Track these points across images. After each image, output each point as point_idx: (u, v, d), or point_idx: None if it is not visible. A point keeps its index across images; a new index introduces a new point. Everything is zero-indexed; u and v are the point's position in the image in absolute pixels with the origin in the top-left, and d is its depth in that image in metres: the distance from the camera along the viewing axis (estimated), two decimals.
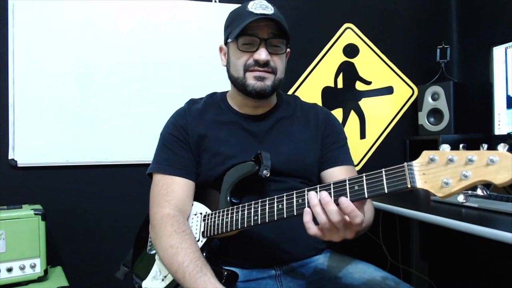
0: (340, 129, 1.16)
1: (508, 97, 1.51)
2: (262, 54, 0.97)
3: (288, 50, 1.08)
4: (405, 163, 0.69)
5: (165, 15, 1.71)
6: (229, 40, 1.03)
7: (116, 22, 1.65)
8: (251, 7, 0.99)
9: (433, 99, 1.87)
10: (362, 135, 1.99)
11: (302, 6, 1.91)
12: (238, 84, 1.03)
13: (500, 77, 1.53)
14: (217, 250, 1.00)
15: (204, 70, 1.73)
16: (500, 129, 1.53)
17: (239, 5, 1.05)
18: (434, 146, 1.75)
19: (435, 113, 1.86)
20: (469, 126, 1.83)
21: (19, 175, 1.53)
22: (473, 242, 1.75)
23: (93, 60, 1.62)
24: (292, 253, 1.03)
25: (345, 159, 1.11)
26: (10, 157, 1.51)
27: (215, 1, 1.78)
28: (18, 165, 1.52)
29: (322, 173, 1.10)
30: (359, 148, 1.98)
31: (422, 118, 1.91)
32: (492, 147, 0.61)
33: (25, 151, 1.53)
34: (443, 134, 1.77)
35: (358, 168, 1.97)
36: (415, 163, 0.68)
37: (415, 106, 1.99)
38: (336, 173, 1.08)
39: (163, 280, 0.98)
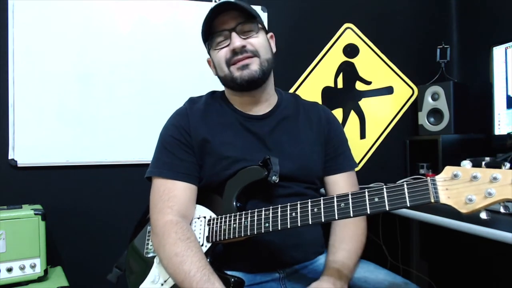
0: (341, 131, 1.16)
1: (508, 97, 1.51)
2: (235, 42, 0.97)
3: (271, 33, 1.09)
4: (428, 178, 0.69)
5: (165, 15, 1.71)
6: (207, 48, 1.07)
7: (116, 22, 1.65)
8: (211, 7, 1.00)
9: (433, 99, 1.87)
10: (362, 135, 1.98)
11: (302, 6, 1.91)
12: (228, 81, 1.03)
13: (500, 77, 1.53)
14: (221, 255, 0.98)
15: (204, 70, 1.70)
16: (500, 129, 1.53)
17: None
18: (434, 146, 1.75)
19: (435, 113, 1.86)
20: (469, 126, 1.82)
21: (19, 175, 1.53)
22: (473, 242, 1.74)
23: (93, 60, 1.62)
24: (296, 257, 1.02)
25: (347, 165, 1.12)
26: (10, 157, 1.51)
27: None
28: (18, 165, 1.52)
29: (326, 178, 1.11)
30: (359, 148, 1.98)
31: (422, 118, 1.91)
32: None
33: (25, 151, 1.53)
34: (443, 134, 1.76)
35: (358, 168, 1.97)
36: (439, 178, 0.68)
37: (415, 106, 1.99)
38: (339, 180, 1.10)
39: (162, 285, 0.96)
